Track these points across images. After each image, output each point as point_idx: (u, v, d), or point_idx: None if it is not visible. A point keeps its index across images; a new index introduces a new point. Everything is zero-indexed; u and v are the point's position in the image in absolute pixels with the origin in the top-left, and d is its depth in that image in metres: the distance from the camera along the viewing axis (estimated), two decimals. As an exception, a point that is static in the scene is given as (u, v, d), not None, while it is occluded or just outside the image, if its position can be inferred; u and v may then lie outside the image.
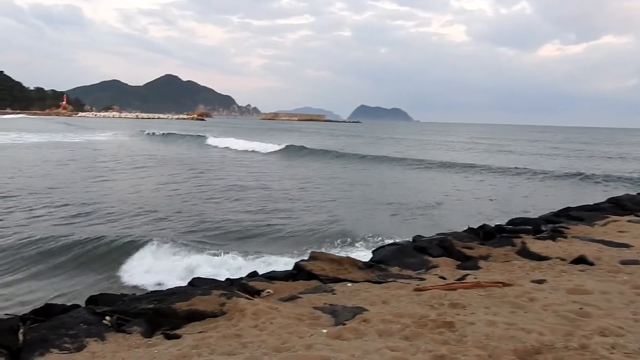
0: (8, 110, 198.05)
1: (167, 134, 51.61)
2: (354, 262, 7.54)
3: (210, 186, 16.90)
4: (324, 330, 4.67)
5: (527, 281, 6.26)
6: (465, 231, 10.10)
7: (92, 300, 5.91)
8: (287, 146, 36.91)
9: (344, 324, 4.82)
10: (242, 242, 9.86)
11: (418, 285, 6.32)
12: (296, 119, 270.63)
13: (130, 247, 8.67)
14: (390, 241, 8.91)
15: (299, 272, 7.10)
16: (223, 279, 7.10)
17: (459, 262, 7.78)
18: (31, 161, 27.83)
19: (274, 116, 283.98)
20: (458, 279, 6.57)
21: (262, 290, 6.20)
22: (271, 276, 7.03)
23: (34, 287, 7.75)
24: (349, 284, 6.54)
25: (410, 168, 27.12)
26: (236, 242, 9.83)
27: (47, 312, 5.41)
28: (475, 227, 10.07)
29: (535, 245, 8.29)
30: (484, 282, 6.12)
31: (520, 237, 8.96)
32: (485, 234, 9.70)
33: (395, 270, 7.37)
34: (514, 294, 5.58)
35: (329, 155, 27.51)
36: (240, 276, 7.29)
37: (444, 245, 8.57)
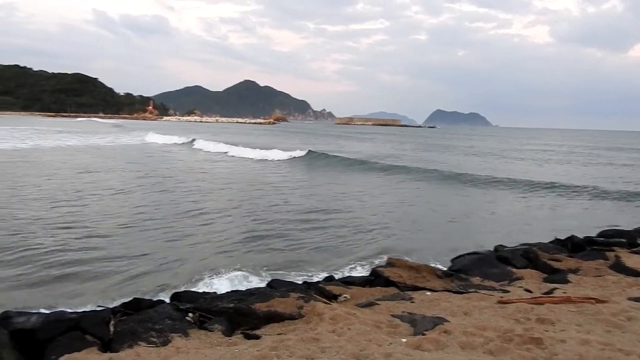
0: (100, 114, 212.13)
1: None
2: (433, 270, 7.35)
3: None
4: (403, 340, 4.56)
5: (624, 298, 5.81)
6: (551, 242, 9.57)
7: (176, 297, 6.12)
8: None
9: (424, 334, 4.68)
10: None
11: (502, 297, 6.05)
12: (370, 123, 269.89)
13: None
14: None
15: (376, 278, 7.01)
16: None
17: (545, 275, 7.38)
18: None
19: (348, 121, 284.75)
20: (545, 293, 6.22)
21: (339, 295, 6.17)
22: (348, 281, 6.98)
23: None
24: (428, 293, 6.37)
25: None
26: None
27: (135, 306, 5.64)
28: (563, 238, 9.53)
29: (631, 260, 7.71)
30: (574, 298, 5.75)
31: (613, 251, 8.37)
32: (574, 246, 9.14)
33: (476, 280, 7.11)
34: (609, 312, 5.19)
35: (395, 169, 25.13)
36: (318, 280, 7.29)
37: (528, 256, 8.17)
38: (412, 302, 5.94)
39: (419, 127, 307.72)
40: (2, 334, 4.46)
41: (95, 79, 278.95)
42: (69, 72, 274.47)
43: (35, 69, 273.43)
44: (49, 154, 31.46)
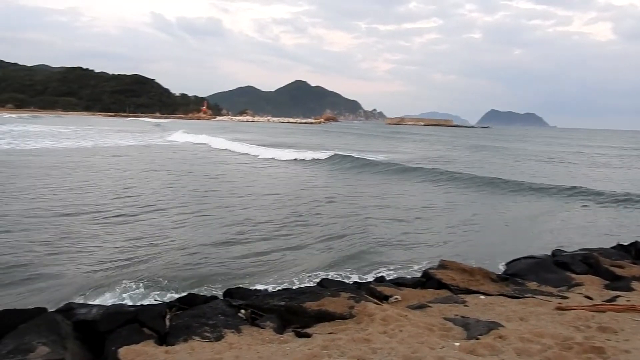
0: (157, 114, 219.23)
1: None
2: (487, 274, 7.16)
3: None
4: (456, 344, 4.47)
5: (695, 309, 5.48)
6: (613, 248, 9.14)
7: (228, 293, 6.23)
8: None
9: (478, 339, 4.57)
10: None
11: (560, 303, 5.83)
12: (422, 123, 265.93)
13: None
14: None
15: (427, 280, 6.91)
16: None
17: (607, 282, 7.06)
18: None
19: (399, 121, 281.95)
20: (607, 301, 5.95)
21: (390, 296, 6.12)
22: (399, 282, 6.91)
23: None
24: (482, 297, 6.22)
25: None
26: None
27: (190, 301, 5.78)
28: (627, 244, 9.08)
29: (702, 268, 7.27)
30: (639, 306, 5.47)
31: (682, 258, 7.91)
32: (639, 252, 8.70)
33: (532, 285, 6.88)
34: (678, 323, 4.91)
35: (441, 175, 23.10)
36: (368, 280, 7.26)
37: (589, 262, 7.84)
38: (466, 305, 5.82)
39: (472, 127, 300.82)
40: (65, 325, 4.66)
41: (153, 79, 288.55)
42: (128, 74, 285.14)
43: (96, 70, 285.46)
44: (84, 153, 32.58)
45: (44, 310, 5.13)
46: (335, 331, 4.83)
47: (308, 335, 4.74)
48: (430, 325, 4.94)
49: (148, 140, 47.33)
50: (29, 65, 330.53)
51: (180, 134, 58.51)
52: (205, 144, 46.04)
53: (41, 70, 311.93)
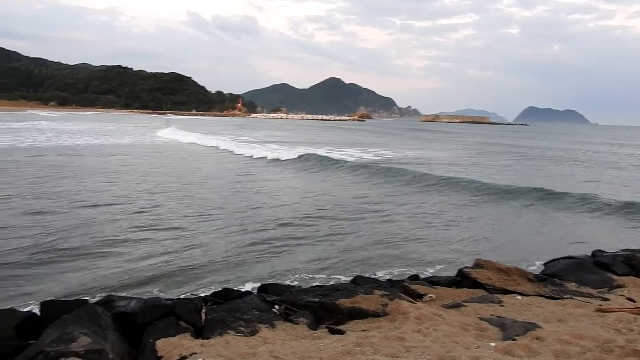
0: (193, 111, 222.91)
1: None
2: (524, 274, 7.02)
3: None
4: (492, 344, 4.40)
5: None
6: (658, 249, 8.82)
7: (263, 289, 6.29)
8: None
9: (514, 339, 4.49)
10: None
11: (601, 305, 5.67)
12: (457, 121, 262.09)
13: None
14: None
15: (463, 280, 6.81)
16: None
17: (651, 284, 6.82)
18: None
19: (434, 118, 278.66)
20: (651, 303, 5.76)
21: (424, 295, 6.06)
22: (433, 281, 6.84)
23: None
24: (519, 297, 6.10)
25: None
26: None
27: (225, 296, 5.87)
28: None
29: None
30: (686, 310, 5.27)
31: None
32: (685, 254, 8.36)
33: (571, 286, 6.71)
34: None
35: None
36: (402, 278, 7.21)
37: (631, 263, 7.59)
38: (502, 305, 5.72)
39: (509, 124, 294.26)
40: (105, 317, 4.80)
41: (189, 77, 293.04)
42: (165, 72, 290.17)
43: (135, 69, 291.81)
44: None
45: (85, 301, 5.30)
46: (369, 329, 4.82)
47: (341, 332, 4.74)
48: (465, 324, 4.88)
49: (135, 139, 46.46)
50: (71, 64, 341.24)
51: (168, 131, 57.72)
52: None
53: (83, 68, 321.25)
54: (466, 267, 7.15)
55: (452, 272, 7.75)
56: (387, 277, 7.86)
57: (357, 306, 5.29)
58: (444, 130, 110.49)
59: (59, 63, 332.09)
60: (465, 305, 5.61)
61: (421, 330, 4.67)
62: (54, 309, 4.96)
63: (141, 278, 7.92)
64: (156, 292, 7.14)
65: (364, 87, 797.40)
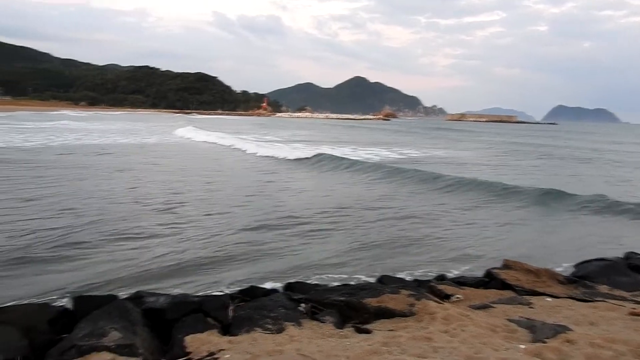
0: (219, 111, 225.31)
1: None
2: (554, 275, 6.91)
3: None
4: (522, 346, 4.33)
5: None
6: (694, 251, 8.56)
7: (289, 287, 6.32)
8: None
9: (544, 342, 4.42)
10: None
11: (634, 309, 5.53)
12: (484, 120, 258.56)
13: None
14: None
15: (491, 280, 6.73)
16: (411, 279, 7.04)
17: (687, 287, 6.63)
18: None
19: (460, 117, 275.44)
20: (687, 307, 5.59)
21: (452, 295, 6.01)
22: (460, 281, 6.77)
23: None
24: (549, 299, 6.00)
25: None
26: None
27: (251, 293, 5.92)
28: None
29: None
30: None
31: None
32: None
33: (603, 288, 6.56)
34: None
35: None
36: (428, 279, 7.15)
37: (666, 266, 7.39)
38: (531, 307, 5.63)
39: (537, 123, 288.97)
40: (135, 312, 4.88)
41: (215, 77, 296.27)
42: (192, 72, 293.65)
43: (162, 69, 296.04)
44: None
45: (114, 297, 5.41)
46: (396, 328, 4.80)
47: (368, 332, 4.74)
48: (493, 326, 4.82)
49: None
50: (100, 64, 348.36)
51: (186, 130, 56.71)
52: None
53: (111, 69, 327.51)
54: (494, 268, 7.07)
55: (478, 273, 7.66)
56: (412, 277, 7.79)
57: (384, 306, 5.27)
58: (470, 129, 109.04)
59: (88, 64, 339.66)
60: (493, 307, 5.54)
61: (449, 330, 4.63)
62: (86, 304, 5.08)
63: (163, 273, 8.00)
64: (177, 289, 7.19)
65: (388, 86, 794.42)
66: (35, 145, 31.99)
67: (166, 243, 9.84)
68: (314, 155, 28.17)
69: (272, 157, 29.37)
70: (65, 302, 5.91)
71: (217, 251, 9.39)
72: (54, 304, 5.65)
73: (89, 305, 5.02)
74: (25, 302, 6.10)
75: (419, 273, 8.15)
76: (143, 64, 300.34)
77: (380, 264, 8.87)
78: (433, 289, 6.14)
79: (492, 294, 6.18)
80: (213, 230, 10.99)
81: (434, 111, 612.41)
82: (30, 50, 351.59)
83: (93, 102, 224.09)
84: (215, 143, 40.31)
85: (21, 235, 9.86)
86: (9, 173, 18.79)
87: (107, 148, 32.42)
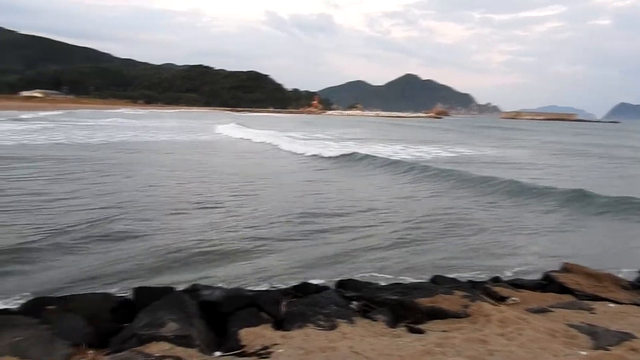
0: (270, 109, 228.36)
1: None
2: (617, 280, 6.61)
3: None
4: (583, 352, 4.17)
5: None
6: None
7: (341, 284, 6.33)
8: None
9: (607, 349, 4.23)
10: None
11: None
12: (541, 118, 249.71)
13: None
14: None
15: (549, 283, 6.51)
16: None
17: None
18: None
19: (515, 115, 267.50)
20: None
21: (507, 297, 5.85)
22: (517, 284, 6.58)
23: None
24: (611, 305, 5.74)
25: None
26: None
27: (303, 290, 5.96)
28: None
29: None
30: None
31: None
32: None
33: (672, 296, 6.23)
34: None
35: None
36: (483, 280, 6.99)
37: None
38: (592, 312, 5.40)
39: (598, 122, 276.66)
40: (192, 304, 5.01)
41: (267, 75, 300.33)
42: (244, 70, 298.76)
43: (216, 68, 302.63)
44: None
45: (172, 289, 5.58)
46: (449, 329, 4.72)
47: (421, 332, 4.68)
48: (552, 330, 4.66)
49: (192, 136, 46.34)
50: (157, 64, 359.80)
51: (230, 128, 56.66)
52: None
53: (167, 68, 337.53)
54: (552, 271, 6.83)
55: (533, 276, 7.43)
56: (465, 278, 7.62)
57: (437, 306, 5.20)
58: (526, 128, 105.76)
59: (146, 63, 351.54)
60: (552, 311, 5.35)
61: (505, 334, 4.51)
62: (145, 295, 5.26)
63: (220, 267, 8.18)
64: (237, 284, 7.31)
65: (441, 83, 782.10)
66: (96, 142, 33.46)
67: (212, 234, 10.08)
68: (352, 154, 28.01)
69: (318, 155, 29.16)
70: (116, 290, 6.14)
71: (260, 245, 9.54)
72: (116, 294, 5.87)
73: (148, 296, 5.20)
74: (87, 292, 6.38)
75: (469, 275, 7.97)
76: (197, 63, 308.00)
77: (430, 264, 8.75)
78: (488, 290, 6.00)
79: (550, 297, 5.99)
80: (255, 223, 11.18)
81: (488, 109, 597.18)
82: (93, 51, 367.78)
83: (150, 100, 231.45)
84: (263, 142, 40.32)
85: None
86: (72, 168, 19.73)
87: (160, 145, 33.49)
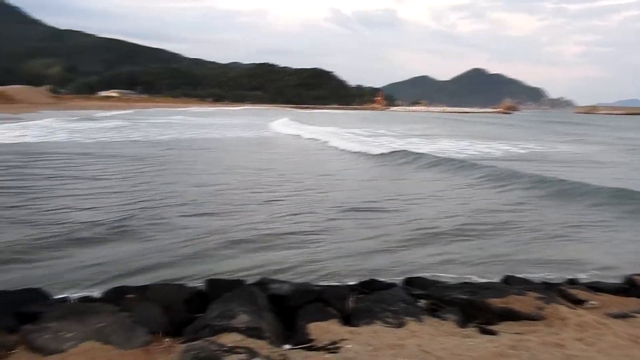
0: (334, 105, 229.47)
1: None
2: None
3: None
4: (670, 362, 3.91)
5: None
6: None
7: (408, 282, 6.27)
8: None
9: (698, 359, 3.95)
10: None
11: None
12: (619, 112, 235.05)
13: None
14: None
15: (631, 287, 6.15)
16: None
17: None
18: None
19: (590, 110, 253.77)
20: None
21: (585, 301, 5.57)
22: (595, 287, 6.25)
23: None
24: (703, 312, 5.34)
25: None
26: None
27: (371, 286, 5.95)
28: None
29: None
30: None
31: None
32: None
33: None
34: None
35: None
36: (558, 282, 6.69)
37: None
38: (680, 320, 5.05)
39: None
40: (261, 297, 5.12)
41: (330, 72, 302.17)
42: (308, 68, 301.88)
43: (280, 65, 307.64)
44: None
45: (242, 282, 5.73)
46: (523, 332, 4.56)
47: (493, 333, 4.55)
48: (635, 337, 4.40)
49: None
50: (224, 63, 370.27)
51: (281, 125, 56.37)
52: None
53: (234, 67, 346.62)
54: (636, 274, 6.44)
55: (613, 280, 7.02)
56: (539, 279, 7.32)
57: (510, 307, 5.03)
58: (603, 123, 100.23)
59: (213, 62, 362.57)
60: (635, 316, 5.05)
61: (583, 339, 4.30)
62: (217, 287, 5.44)
63: (287, 263, 8.30)
64: (304, 278, 7.38)
65: (509, 77, 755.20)
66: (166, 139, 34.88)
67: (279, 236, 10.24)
68: (403, 151, 26.98)
69: (365, 152, 28.17)
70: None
71: (315, 240, 9.59)
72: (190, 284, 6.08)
73: (219, 288, 5.37)
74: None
75: (539, 275, 7.64)
76: (262, 61, 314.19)
77: (496, 262, 8.48)
78: (564, 292, 5.74)
79: (632, 302, 5.64)
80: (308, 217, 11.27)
81: (560, 103, 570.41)
82: (164, 52, 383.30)
83: (218, 98, 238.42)
84: (313, 139, 39.71)
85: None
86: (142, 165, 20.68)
87: (226, 142, 34.43)
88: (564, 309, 4.93)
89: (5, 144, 27.76)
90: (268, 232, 10.22)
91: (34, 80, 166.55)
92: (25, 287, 5.64)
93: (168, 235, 9.71)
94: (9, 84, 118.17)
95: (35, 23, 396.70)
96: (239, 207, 12.68)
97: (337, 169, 21.72)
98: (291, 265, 8.12)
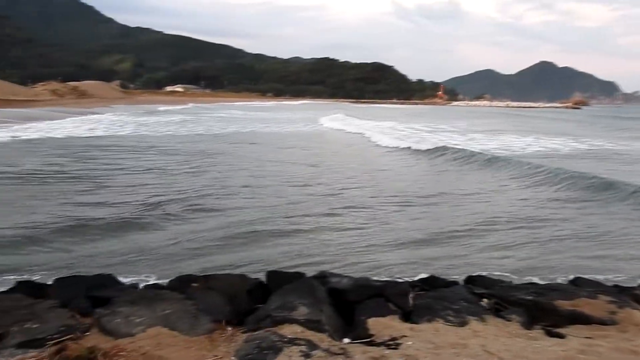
0: (394, 100, 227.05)
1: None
2: None
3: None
4: None
5: None
6: None
7: (470, 280, 6.12)
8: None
9: None
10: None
11: None
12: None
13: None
14: None
15: None
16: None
17: None
18: None
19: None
20: None
21: (662, 307, 5.25)
22: (674, 292, 5.87)
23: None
24: None
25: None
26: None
27: (431, 283, 5.86)
28: None
29: None
30: None
31: None
32: None
33: None
34: None
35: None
36: (632, 285, 6.34)
37: None
38: None
39: None
40: (321, 290, 5.15)
41: (391, 67, 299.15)
42: (368, 62, 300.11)
43: (341, 60, 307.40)
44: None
45: (302, 274, 5.78)
46: (594, 336, 4.35)
47: (561, 336, 4.37)
48: None
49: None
50: (285, 57, 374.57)
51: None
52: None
53: (294, 62, 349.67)
54: None
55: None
56: (610, 282, 6.97)
57: (579, 310, 4.81)
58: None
59: (274, 57, 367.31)
60: None
61: (661, 346, 4.06)
62: (277, 279, 5.52)
63: (341, 259, 8.32)
64: (363, 274, 7.38)
65: (580, 70, 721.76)
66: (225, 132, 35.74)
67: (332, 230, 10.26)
68: (447, 148, 25.88)
69: (409, 148, 27.43)
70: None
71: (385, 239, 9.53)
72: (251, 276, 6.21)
73: (280, 280, 5.45)
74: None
75: (605, 277, 7.27)
76: (323, 56, 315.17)
77: (563, 264, 8.15)
78: (638, 297, 5.43)
79: None
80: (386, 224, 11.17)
81: (636, 98, 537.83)
82: (228, 48, 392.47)
83: (279, 93, 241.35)
84: (361, 134, 39.19)
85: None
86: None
87: (266, 137, 34.93)
88: (639, 315, 4.67)
89: (79, 137, 29.50)
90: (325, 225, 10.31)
91: (106, 75, 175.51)
92: (99, 273, 5.97)
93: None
94: (84, 80, 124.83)
95: (108, 21, 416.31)
96: (302, 197, 12.89)
97: (396, 165, 21.55)
98: (345, 258, 8.17)
